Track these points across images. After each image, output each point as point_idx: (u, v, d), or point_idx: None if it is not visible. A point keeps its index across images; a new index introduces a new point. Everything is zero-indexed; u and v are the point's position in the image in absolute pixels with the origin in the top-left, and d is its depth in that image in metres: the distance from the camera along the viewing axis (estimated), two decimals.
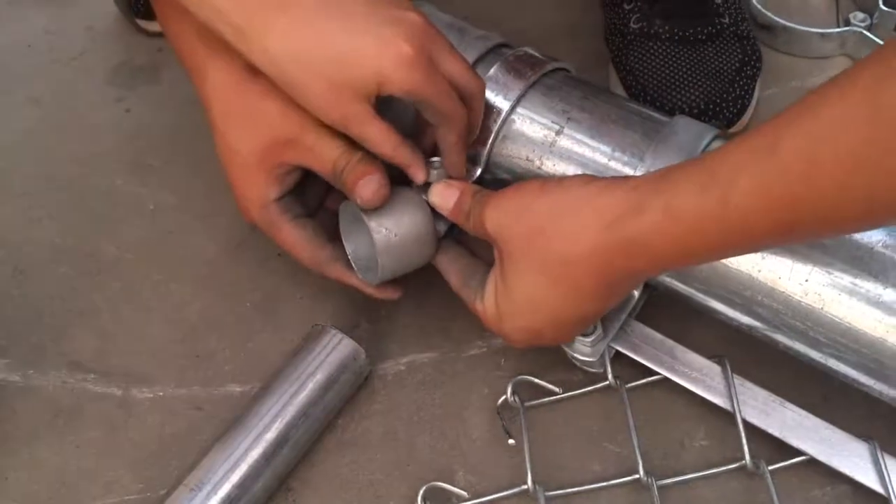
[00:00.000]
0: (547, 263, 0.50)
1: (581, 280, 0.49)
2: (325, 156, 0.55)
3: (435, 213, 0.58)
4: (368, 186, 0.54)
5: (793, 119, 0.41)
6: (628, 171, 0.56)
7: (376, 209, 0.56)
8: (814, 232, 0.45)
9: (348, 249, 0.60)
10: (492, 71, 0.60)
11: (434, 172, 0.56)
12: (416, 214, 0.57)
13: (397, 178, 0.56)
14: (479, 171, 0.60)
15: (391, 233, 0.56)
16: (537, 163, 0.59)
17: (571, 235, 0.48)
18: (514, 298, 0.52)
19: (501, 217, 0.52)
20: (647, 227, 0.46)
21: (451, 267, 0.59)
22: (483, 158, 0.59)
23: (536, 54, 0.62)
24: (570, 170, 0.58)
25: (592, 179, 0.50)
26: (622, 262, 0.48)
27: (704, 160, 0.45)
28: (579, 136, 0.58)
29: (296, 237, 0.59)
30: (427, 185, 0.57)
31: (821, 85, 0.41)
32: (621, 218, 0.46)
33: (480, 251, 0.60)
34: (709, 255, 0.48)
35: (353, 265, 0.60)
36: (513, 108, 0.59)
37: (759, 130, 0.43)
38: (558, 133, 0.58)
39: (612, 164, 0.57)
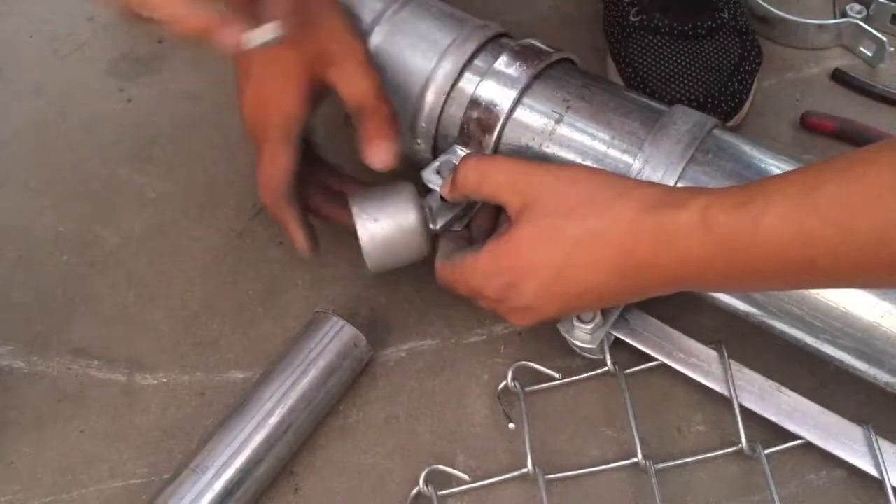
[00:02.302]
0: (578, 232, 0.50)
1: (603, 257, 0.49)
2: (359, 84, 0.57)
3: (432, 211, 0.59)
4: (382, 149, 0.58)
5: (839, 167, 0.42)
6: (627, 158, 0.57)
7: (368, 201, 0.58)
8: (834, 278, 0.45)
9: (360, 239, 0.60)
10: (497, 62, 0.60)
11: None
12: (406, 208, 0.58)
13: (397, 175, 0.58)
14: None
15: (378, 224, 0.58)
16: (536, 150, 0.59)
17: (612, 210, 0.49)
18: (526, 258, 0.52)
19: (548, 183, 0.52)
20: (681, 220, 0.46)
21: (445, 246, 0.60)
22: (490, 149, 0.60)
23: (541, 45, 0.62)
24: (570, 157, 0.58)
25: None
26: (646, 253, 0.48)
27: (750, 184, 0.46)
28: (579, 125, 0.59)
29: (285, 164, 0.60)
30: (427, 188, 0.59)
31: (873, 144, 0.43)
32: (661, 207, 0.47)
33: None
34: (730, 276, 0.47)
35: (364, 256, 0.60)
36: (518, 99, 0.60)
37: (802, 170, 0.44)
38: (558, 121, 0.59)
39: (611, 151, 0.57)
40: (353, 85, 0.58)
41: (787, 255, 0.43)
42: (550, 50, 0.62)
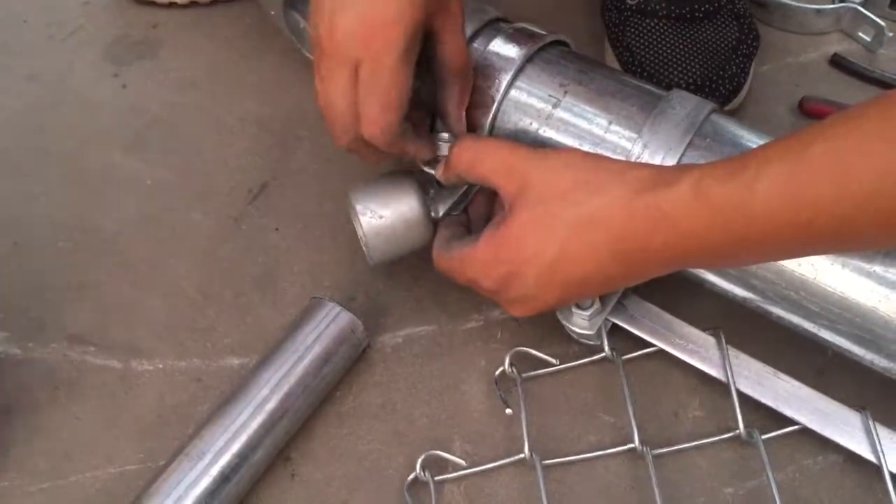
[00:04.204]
0: (572, 217, 0.49)
1: (600, 242, 0.49)
2: (462, 42, 0.55)
3: (433, 198, 0.59)
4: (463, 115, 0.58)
5: (828, 126, 0.42)
6: (625, 143, 0.57)
7: (371, 196, 0.58)
8: (831, 238, 0.44)
9: (359, 232, 0.60)
10: (492, 43, 0.60)
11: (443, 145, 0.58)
12: (405, 198, 0.58)
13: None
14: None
15: (376, 215, 0.58)
16: (534, 134, 0.59)
17: (606, 193, 0.49)
18: (523, 246, 0.51)
19: (542, 168, 0.51)
20: (675, 197, 0.46)
21: (443, 232, 0.59)
22: (486, 130, 0.60)
23: (534, 28, 0.62)
24: (568, 141, 0.58)
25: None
26: (643, 234, 0.48)
27: (742, 154, 0.46)
28: (577, 109, 0.58)
29: (406, 82, 0.53)
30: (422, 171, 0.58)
31: (859, 102, 0.42)
32: (655, 185, 0.47)
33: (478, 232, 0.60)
34: (727, 248, 0.47)
35: (363, 247, 0.60)
36: (514, 79, 0.59)
37: (793, 135, 0.44)
38: (555, 106, 0.59)
39: (609, 136, 0.57)
40: (458, 40, 0.55)
41: (784, 220, 0.43)
42: (544, 32, 0.62)
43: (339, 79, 0.52)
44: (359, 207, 0.58)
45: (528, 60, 0.60)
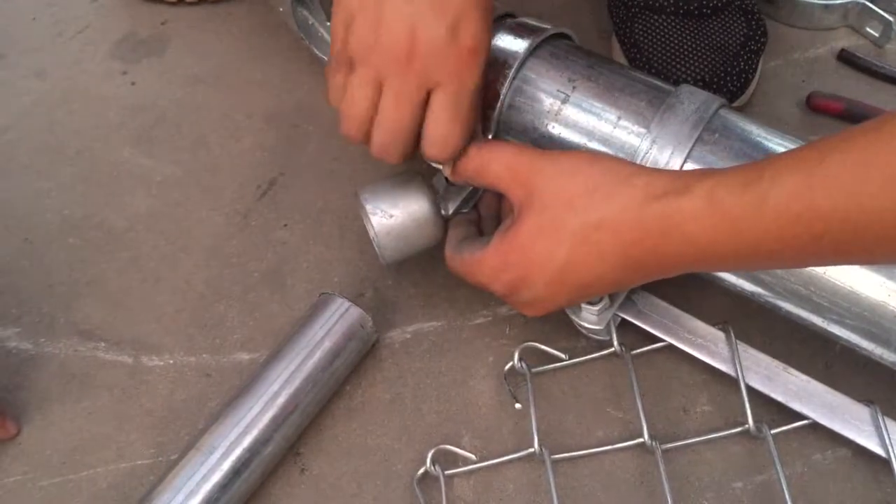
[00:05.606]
0: (581, 224, 0.49)
1: (608, 247, 0.49)
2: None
3: (442, 196, 0.59)
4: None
5: (844, 138, 0.42)
6: (633, 140, 0.57)
7: (380, 196, 0.58)
8: (842, 250, 0.44)
9: (370, 232, 0.60)
10: (496, 38, 0.60)
11: None
12: (415, 197, 0.58)
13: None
14: (489, 138, 0.60)
15: (393, 219, 0.58)
16: (542, 131, 0.59)
17: (615, 200, 0.48)
18: (532, 252, 0.51)
19: (548, 173, 0.51)
20: (687, 207, 0.46)
21: (454, 232, 0.60)
22: (493, 124, 0.60)
23: (536, 22, 0.62)
24: (576, 138, 0.58)
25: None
26: (654, 241, 0.48)
27: (754, 163, 0.46)
28: (585, 105, 0.58)
29: (477, 116, 0.55)
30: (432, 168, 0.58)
31: (876, 117, 0.42)
32: (666, 194, 0.47)
33: (489, 230, 0.60)
34: (738, 256, 0.47)
35: (375, 247, 0.60)
36: (518, 71, 0.59)
37: (808, 145, 0.44)
38: (564, 101, 0.59)
39: (617, 132, 0.57)
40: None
41: (797, 231, 0.43)
42: (547, 26, 0.62)
43: (409, 95, 0.51)
44: (369, 207, 0.58)
45: (534, 54, 0.60)
